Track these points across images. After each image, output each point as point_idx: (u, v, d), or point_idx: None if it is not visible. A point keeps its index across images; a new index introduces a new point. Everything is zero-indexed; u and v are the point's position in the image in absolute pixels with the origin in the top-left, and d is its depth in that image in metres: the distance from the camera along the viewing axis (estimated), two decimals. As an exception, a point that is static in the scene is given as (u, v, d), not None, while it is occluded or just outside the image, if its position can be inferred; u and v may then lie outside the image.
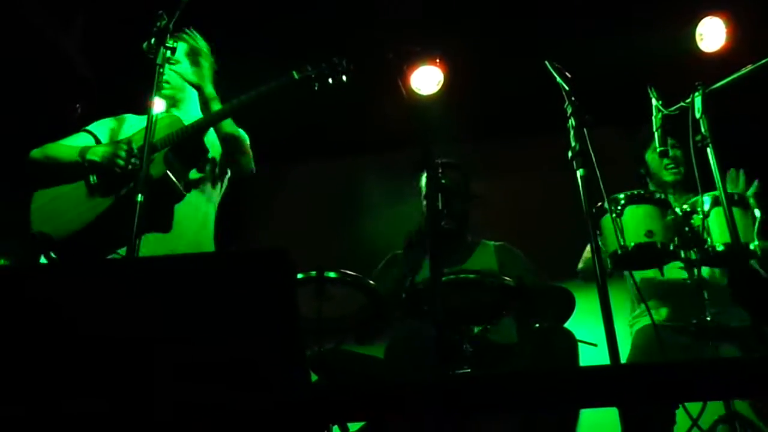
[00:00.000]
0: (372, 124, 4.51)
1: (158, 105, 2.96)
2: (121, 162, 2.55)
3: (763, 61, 2.47)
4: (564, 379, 1.69)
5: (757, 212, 2.57)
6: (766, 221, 2.61)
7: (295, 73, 2.65)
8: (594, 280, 2.08)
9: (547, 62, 2.52)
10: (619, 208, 2.55)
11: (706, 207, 2.52)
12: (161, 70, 2.43)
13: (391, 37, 4.18)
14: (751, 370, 1.60)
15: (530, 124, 4.34)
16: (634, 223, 2.52)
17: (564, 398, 1.76)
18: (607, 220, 2.57)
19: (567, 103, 2.39)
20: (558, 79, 2.47)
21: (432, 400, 1.66)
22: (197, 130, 2.66)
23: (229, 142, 2.71)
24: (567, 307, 3.48)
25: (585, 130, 2.35)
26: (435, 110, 4.52)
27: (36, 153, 2.70)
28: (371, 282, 2.63)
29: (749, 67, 2.49)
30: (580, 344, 3.34)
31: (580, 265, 3.14)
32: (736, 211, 2.47)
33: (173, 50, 2.45)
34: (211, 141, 2.78)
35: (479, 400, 1.68)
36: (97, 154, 2.60)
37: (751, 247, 2.51)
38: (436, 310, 2.11)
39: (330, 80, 2.66)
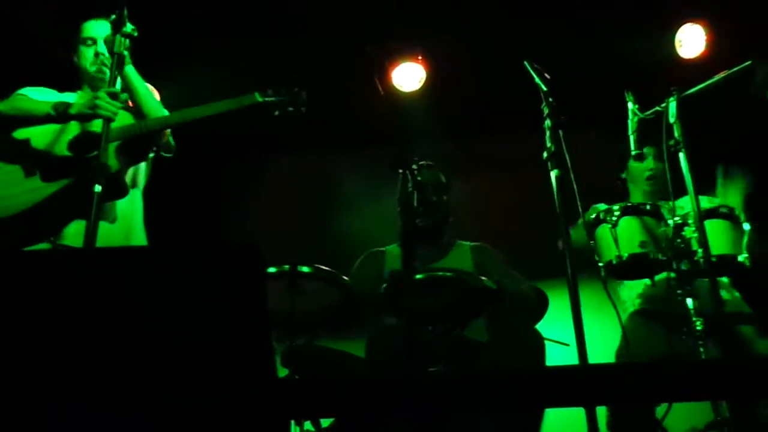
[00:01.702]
0: (352, 119, 4.51)
1: None
2: (108, 106, 2.44)
3: (737, 69, 2.51)
4: (530, 378, 1.70)
5: (746, 225, 2.61)
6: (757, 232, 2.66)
7: (257, 95, 2.70)
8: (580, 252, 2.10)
9: (526, 62, 2.53)
10: (614, 218, 2.60)
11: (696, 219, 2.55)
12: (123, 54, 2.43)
13: (373, 33, 4.20)
14: (716, 372, 1.62)
15: (511, 124, 4.35)
16: (629, 233, 2.57)
17: (531, 398, 1.77)
18: (602, 231, 2.62)
19: (544, 103, 2.41)
20: (536, 79, 2.48)
21: (400, 397, 1.66)
22: (154, 130, 2.65)
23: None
24: (540, 307, 3.51)
25: (560, 131, 2.37)
26: (416, 107, 4.53)
27: (2, 105, 2.65)
28: (345, 278, 2.63)
29: (723, 74, 2.52)
30: (552, 344, 3.38)
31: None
32: (725, 223, 2.53)
33: (131, 37, 2.45)
34: None
35: (447, 398, 1.69)
36: (76, 105, 2.56)
37: (740, 259, 2.55)
38: (407, 308, 2.11)
39: (290, 109, 2.73)
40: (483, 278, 2.67)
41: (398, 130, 2.62)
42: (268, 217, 4.95)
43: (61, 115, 2.55)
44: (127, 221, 2.75)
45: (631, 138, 2.67)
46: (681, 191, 2.61)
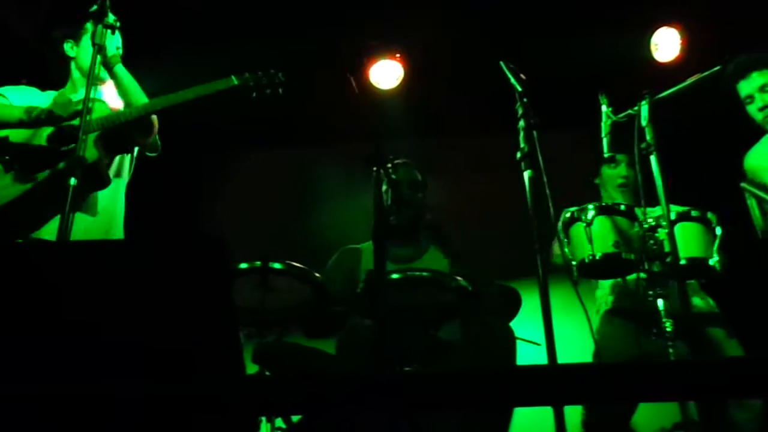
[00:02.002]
0: (328, 115, 4.49)
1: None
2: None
3: (708, 73, 2.53)
4: (498, 378, 1.71)
5: (719, 230, 2.63)
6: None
7: (234, 78, 2.71)
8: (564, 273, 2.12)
9: (501, 63, 2.53)
10: (589, 217, 2.61)
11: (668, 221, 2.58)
12: (104, 46, 2.45)
13: (350, 29, 4.19)
14: (684, 373, 1.63)
15: (486, 124, 4.36)
16: (603, 233, 2.58)
17: (499, 398, 1.78)
18: (577, 229, 2.63)
19: (518, 104, 2.42)
20: (511, 79, 2.48)
21: (370, 395, 1.66)
22: (132, 119, 2.63)
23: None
24: (513, 306, 3.53)
25: (534, 132, 2.38)
26: (394, 105, 4.53)
27: None
28: (318, 275, 2.61)
29: (695, 78, 2.55)
30: (524, 343, 3.40)
31: (553, 260, 3.20)
32: (697, 227, 2.55)
33: (113, 28, 2.44)
34: None
35: (417, 397, 1.69)
36: (45, 111, 2.55)
37: (710, 262, 2.57)
38: (379, 307, 2.11)
39: (267, 91, 2.75)
40: (459, 279, 2.67)
41: (373, 128, 2.61)
42: (242, 212, 4.93)
43: (33, 120, 2.54)
44: (109, 215, 2.73)
45: (604, 141, 2.69)
46: (653, 199, 2.63)
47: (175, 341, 1.44)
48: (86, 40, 2.81)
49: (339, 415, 2.29)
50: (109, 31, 2.44)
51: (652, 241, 2.59)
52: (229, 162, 5.18)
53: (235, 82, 2.71)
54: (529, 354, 3.44)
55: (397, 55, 4.34)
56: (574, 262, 2.68)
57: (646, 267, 2.61)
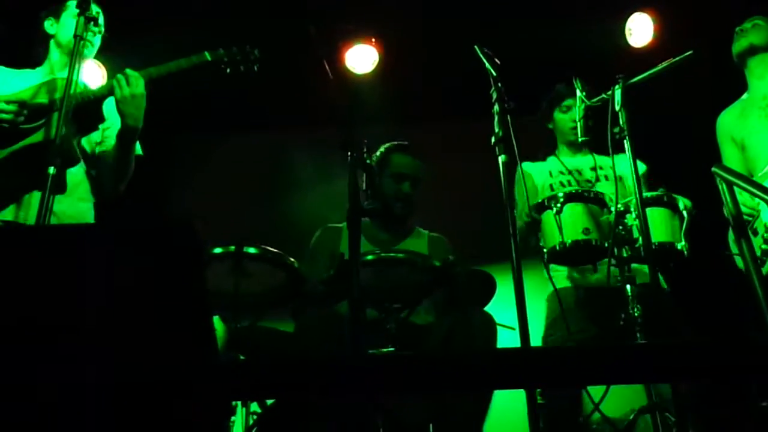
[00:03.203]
0: (303, 99, 4.46)
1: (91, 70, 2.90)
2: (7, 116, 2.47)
3: (679, 58, 2.55)
4: (473, 361, 1.72)
5: (685, 214, 2.66)
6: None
7: (207, 54, 2.71)
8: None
9: (476, 47, 2.53)
10: (558, 205, 2.62)
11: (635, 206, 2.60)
12: (84, 38, 2.47)
13: (324, 13, 4.16)
14: (656, 355, 1.66)
15: (461, 108, 4.37)
16: (572, 220, 2.59)
17: (473, 380, 1.79)
18: (547, 217, 2.64)
19: (493, 88, 2.42)
20: (486, 64, 2.48)
21: (345, 378, 1.66)
22: (101, 96, 2.62)
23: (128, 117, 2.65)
24: (488, 291, 3.55)
25: (508, 116, 2.38)
26: (369, 89, 4.52)
27: None
28: (292, 260, 2.61)
29: (666, 63, 2.57)
30: (500, 328, 3.42)
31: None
32: (665, 211, 2.56)
33: (95, 20, 2.42)
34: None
35: (392, 380, 1.69)
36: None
37: (678, 247, 2.60)
38: (352, 288, 2.11)
39: (241, 67, 2.75)
40: (434, 260, 2.68)
41: (348, 112, 2.60)
42: (217, 196, 4.90)
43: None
44: (78, 195, 2.70)
45: (579, 125, 2.70)
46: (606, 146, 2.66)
47: (147, 326, 1.43)
48: (66, 18, 2.78)
49: (313, 398, 2.29)
50: (91, 23, 2.46)
51: (620, 227, 2.60)
52: (204, 146, 5.14)
53: (208, 58, 2.70)
54: (504, 338, 3.47)
55: (372, 40, 4.32)
56: (545, 249, 2.69)
57: (615, 253, 2.62)
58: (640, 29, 4.14)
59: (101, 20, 2.75)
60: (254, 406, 2.80)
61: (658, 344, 2.25)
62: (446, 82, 4.53)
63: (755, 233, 2.80)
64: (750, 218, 2.82)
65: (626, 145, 2.45)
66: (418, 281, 2.64)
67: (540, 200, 2.75)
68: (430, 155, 4.64)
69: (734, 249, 2.77)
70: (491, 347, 2.77)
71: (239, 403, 2.89)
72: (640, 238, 2.53)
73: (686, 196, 2.85)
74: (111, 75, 2.68)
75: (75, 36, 2.42)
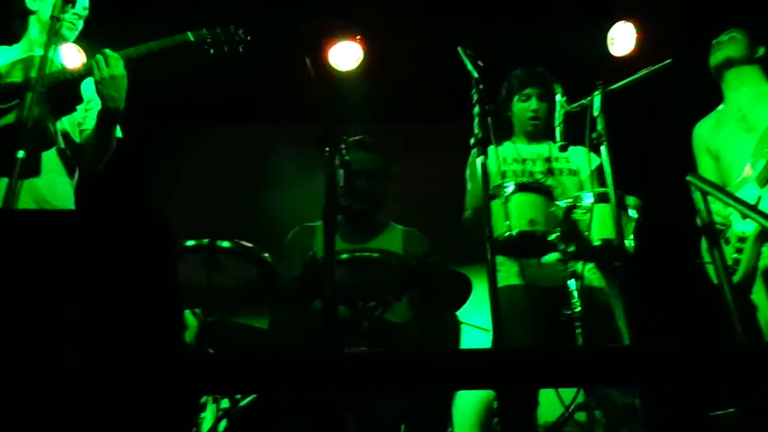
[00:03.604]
0: (284, 94, 4.45)
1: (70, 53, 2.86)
2: None
3: (657, 66, 2.57)
4: (442, 360, 1.72)
5: (633, 213, 2.67)
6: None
7: (190, 34, 2.68)
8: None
9: (459, 48, 2.54)
10: (506, 194, 2.59)
11: (587, 202, 2.60)
12: (61, 19, 2.46)
13: (311, 9, 4.15)
14: (624, 359, 1.66)
15: (444, 109, 4.38)
16: (519, 210, 2.57)
17: (441, 379, 1.79)
18: (495, 205, 2.60)
19: (474, 90, 2.43)
20: (468, 65, 2.49)
21: (315, 375, 1.66)
22: (78, 77, 2.58)
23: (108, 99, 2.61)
24: (463, 292, 3.56)
25: (488, 118, 2.39)
26: (353, 87, 4.51)
27: None
28: (267, 255, 2.59)
29: (645, 71, 2.59)
30: (474, 329, 3.43)
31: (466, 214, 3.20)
32: (612, 208, 2.53)
33: (72, 1, 2.40)
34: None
35: (362, 377, 1.69)
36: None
37: (625, 244, 2.59)
38: (326, 286, 2.10)
39: (225, 48, 2.72)
40: (409, 259, 2.68)
41: (328, 108, 2.59)
42: (196, 189, 4.87)
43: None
44: (55, 177, 2.65)
45: (557, 129, 2.71)
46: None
47: (113, 316, 1.42)
48: None
49: (284, 395, 2.28)
50: (69, 5, 2.45)
51: (567, 222, 2.60)
52: (184, 139, 5.10)
53: (191, 38, 2.68)
54: (478, 340, 3.48)
55: (357, 37, 4.31)
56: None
57: (561, 247, 2.61)
58: (622, 38, 4.17)
59: (85, 2, 2.72)
60: (225, 403, 2.78)
61: (629, 347, 2.27)
62: (430, 81, 4.53)
63: (727, 242, 2.83)
64: (722, 227, 2.85)
65: (603, 150, 2.47)
66: (392, 280, 2.64)
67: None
68: (411, 155, 4.68)
69: (707, 257, 2.80)
70: (456, 347, 2.78)
71: (210, 399, 2.87)
72: (587, 234, 2.54)
73: (661, 204, 2.88)
74: (92, 57, 2.64)
75: (51, 17, 2.39)
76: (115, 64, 2.54)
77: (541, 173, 3.17)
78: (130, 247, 1.43)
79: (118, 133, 2.76)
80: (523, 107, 3.26)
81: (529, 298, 2.97)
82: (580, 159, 2.99)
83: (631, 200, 2.67)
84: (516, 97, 3.29)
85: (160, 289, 1.44)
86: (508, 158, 3.26)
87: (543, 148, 3.25)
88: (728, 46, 3.07)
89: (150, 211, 1.42)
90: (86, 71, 2.57)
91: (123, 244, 1.43)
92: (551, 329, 2.81)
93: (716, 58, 3.10)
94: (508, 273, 3.01)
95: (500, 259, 3.05)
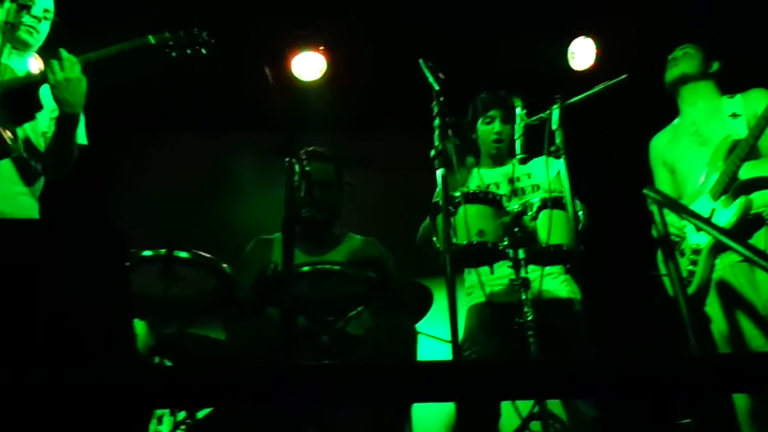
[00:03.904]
0: (245, 103, 4.42)
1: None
2: None
3: (614, 81, 2.61)
4: (399, 372, 1.71)
5: (582, 217, 2.70)
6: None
7: (151, 37, 2.64)
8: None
9: (421, 61, 2.54)
10: (453, 206, 2.60)
11: (535, 208, 2.63)
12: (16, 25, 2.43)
13: (275, 19, 4.14)
14: (583, 371, 1.67)
15: (406, 121, 4.39)
16: (467, 221, 2.57)
17: (398, 392, 1.78)
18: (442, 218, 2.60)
19: (435, 102, 2.43)
20: (430, 78, 2.50)
21: (271, 388, 1.64)
22: (34, 82, 2.54)
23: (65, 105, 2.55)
24: (425, 304, 3.56)
25: (449, 130, 2.40)
26: (316, 97, 4.51)
27: None
28: (225, 266, 2.56)
29: (602, 85, 2.62)
30: (435, 340, 3.44)
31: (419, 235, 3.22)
32: (562, 214, 2.56)
33: (28, 7, 2.38)
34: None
35: (319, 390, 1.67)
36: None
37: (575, 249, 2.60)
38: (285, 298, 2.09)
39: (188, 50, 2.68)
40: (369, 272, 2.67)
41: (289, 118, 2.58)
42: (156, 197, 4.81)
43: None
44: (6, 187, 2.57)
45: (517, 142, 2.73)
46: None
47: (64, 326, 1.38)
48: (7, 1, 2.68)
49: (239, 407, 2.25)
50: (24, 11, 2.40)
51: (517, 228, 2.61)
52: (143, 147, 5.03)
53: (152, 41, 2.64)
54: (438, 351, 3.48)
55: (321, 48, 4.32)
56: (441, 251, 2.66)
57: (512, 254, 2.62)
58: (582, 53, 4.25)
59: (47, 4, 2.67)
60: (183, 416, 2.74)
61: (587, 360, 2.29)
62: (392, 93, 4.55)
63: (682, 254, 2.88)
64: (678, 239, 2.90)
65: (561, 162, 2.49)
66: (352, 293, 2.63)
67: (435, 201, 2.69)
68: (373, 166, 4.69)
69: (663, 269, 2.84)
70: (412, 358, 2.78)
71: (167, 411, 2.82)
72: (539, 238, 2.56)
73: (619, 216, 2.91)
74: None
75: (5, 23, 2.35)
76: (70, 67, 2.49)
77: (505, 196, 3.19)
78: (79, 259, 1.40)
79: (83, 140, 2.70)
80: (487, 129, 3.27)
81: (491, 314, 2.98)
82: (541, 171, 3.00)
83: (579, 205, 2.70)
84: (480, 120, 3.30)
85: (111, 300, 1.42)
86: (472, 186, 3.28)
87: (507, 169, 3.26)
88: (683, 61, 3.13)
89: (101, 221, 1.39)
90: (43, 77, 2.52)
91: (72, 255, 1.40)
92: (513, 342, 2.83)
93: (671, 74, 3.15)
94: (479, 292, 3.01)
95: (472, 280, 3.08)
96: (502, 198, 2.71)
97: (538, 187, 3.13)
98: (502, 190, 3.18)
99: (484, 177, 3.20)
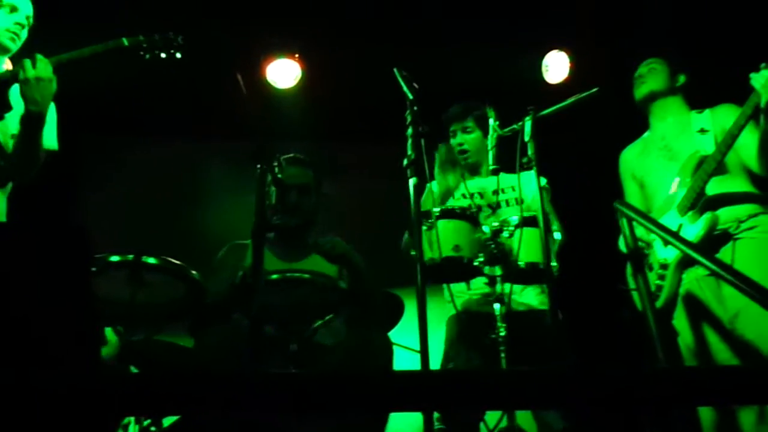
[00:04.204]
0: (219, 110, 4.40)
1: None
2: None
3: (585, 94, 2.64)
4: (371, 382, 1.70)
5: (558, 235, 2.72)
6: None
7: (125, 39, 2.63)
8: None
9: (396, 70, 2.55)
10: (431, 221, 2.61)
11: (514, 226, 2.64)
12: None
13: (250, 26, 4.12)
14: (557, 381, 1.67)
15: (380, 130, 4.40)
16: (444, 236, 2.58)
17: (371, 401, 1.77)
18: (423, 232, 2.61)
19: (408, 111, 2.43)
20: (404, 87, 2.50)
21: (240, 396, 1.61)
22: (2, 81, 2.51)
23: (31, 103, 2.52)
24: (396, 313, 3.55)
25: (422, 140, 2.40)
26: (290, 105, 4.49)
27: None
28: (194, 273, 2.53)
29: (574, 98, 2.65)
30: (404, 350, 3.42)
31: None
32: (538, 232, 2.57)
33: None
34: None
35: (289, 398, 1.66)
36: None
37: (549, 266, 2.63)
38: (253, 306, 2.06)
39: (162, 54, 2.67)
40: (340, 281, 2.66)
41: (263, 125, 2.57)
42: (127, 203, 4.75)
43: None
44: None
45: (490, 153, 2.75)
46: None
47: (29, 329, 1.36)
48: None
49: (206, 415, 2.22)
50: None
51: (493, 245, 2.63)
52: (115, 152, 4.97)
53: (125, 43, 2.63)
54: (409, 360, 3.47)
55: (296, 55, 4.31)
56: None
57: (488, 271, 2.64)
58: (556, 66, 4.29)
59: (29, 11, 2.65)
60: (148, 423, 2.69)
61: (552, 370, 2.29)
62: (367, 102, 4.55)
63: (650, 268, 2.90)
64: (646, 252, 2.93)
65: (533, 174, 2.51)
66: (322, 302, 2.61)
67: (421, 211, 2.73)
68: (347, 174, 4.68)
69: (632, 284, 2.86)
70: (389, 368, 2.77)
71: (132, 419, 2.78)
72: (515, 256, 2.58)
73: (589, 229, 2.93)
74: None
75: None
76: (43, 67, 2.46)
77: (490, 206, 3.20)
78: (45, 262, 1.38)
79: (54, 144, 2.66)
80: (453, 143, 3.35)
81: (463, 325, 2.99)
82: (528, 186, 3.00)
83: (555, 224, 2.72)
84: (450, 135, 3.38)
85: (76, 304, 1.39)
86: (457, 194, 3.30)
87: (491, 180, 3.26)
88: (650, 79, 3.16)
89: (67, 224, 1.37)
90: (12, 77, 2.49)
91: (38, 258, 1.37)
92: (486, 355, 2.83)
93: (640, 92, 3.18)
94: (457, 302, 3.01)
95: (450, 291, 3.08)
96: (480, 213, 2.73)
97: (522, 201, 3.15)
98: (487, 199, 3.20)
99: (469, 187, 3.22)
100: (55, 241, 1.35)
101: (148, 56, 2.66)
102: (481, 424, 2.66)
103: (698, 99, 3.16)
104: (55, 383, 1.31)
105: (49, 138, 2.62)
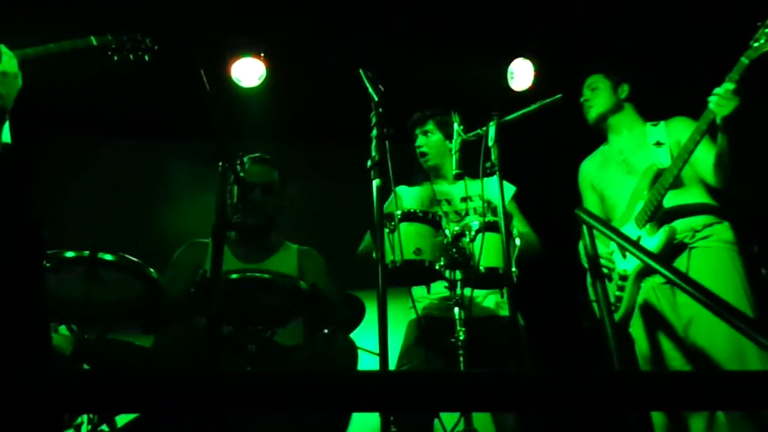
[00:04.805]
0: (182, 107, 4.35)
1: None
2: None
3: (550, 100, 2.67)
4: (332, 382, 1.69)
5: (518, 241, 2.74)
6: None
7: (93, 38, 2.60)
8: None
9: (361, 71, 2.54)
10: (393, 224, 2.61)
11: (473, 231, 2.66)
12: None
13: (217, 25, 4.08)
14: (507, 384, 1.68)
15: (344, 131, 4.39)
16: (405, 240, 2.58)
17: (328, 402, 1.76)
18: (384, 234, 2.60)
19: (373, 113, 2.43)
20: (369, 88, 2.49)
21: (193, 395, 1.59)
22: None
23: None
24: (357, 315, 3.55)
25: (386, 141, 2.39)
26: (254, 104, 4.46)
27: None
28: (151, 270, 2.49)
29: (537, 104, 2.67)
30: (364, 353, 3.41)
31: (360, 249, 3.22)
32: (499, 237, 2.58)
33: None
34: None
35: (246, 398, 1.64)
36: None
37: (510, 272, 2.64)
38: (212, 305, 2.03)
39: (131, 55, 2.60)
40: (300, 281, 2.64)
41: (223, 123, 2.53)
42: (86, 200, 4.67)
43: None
44: None
45: (454, 157, 2.76)
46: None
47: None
48: None
49: (160, 414, 2.19)
50: None
51: (454, 249, 2.64)
52: (75, 149, 4.88)
53: (94, 42, 2.60)
54: (369, 363, 3.46)
55: (261, 54, 4.28)
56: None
57: (448, 275, 2.65)
58: (521, 73, 4.34)
59: None
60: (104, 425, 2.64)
61: (509, 373, 2.31)
62: (331, 103, 4.54)
63: (610, 280, 2.93)
64: (606, 270, 2.95)
65: (496, 179, 2.52)
66: (282, 303, 2.59)
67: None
68: (310, 175, 4.65)
69: (591, 292, 2.89)
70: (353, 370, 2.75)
71: (85, 419, 2.72)
72: (474, 261, 2.60)
73: (551, 236, 2.95)
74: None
75: None
76: (8, 61, 2.40)
77: (458, 213, 3.21)
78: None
79: (7, 138, 2.60)
80: (415, 146, 3.41)
81: (423, 330, 2.99)
82: (494, 192, 3.00)
83: (516, 229, 2.73)
84: (417, 129, 3.42)
85: (24, 302, 1.36)
86: (425, 199, 3.30)
87: (459, 186, 3.29)
88: (595, 101, 3.19)
89: (18, 220, 1.34)
90: None
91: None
92: (446, 358, 2.84)
93: (590, 117, 3.21)
94: (418, 306, 3.01)
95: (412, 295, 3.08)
96: (443, 218, 2.74)
97: (489, 204, 3.17)
98: (455, 206, 3.21)
99: (437, 192, 3.23)
100: (4, 236, 1.32)
101: (116, 57, 2.64)
102: (438, 426, 2.67)
103: (647, 104, 3.20)
104: (2, 381, 1.28)
105: (4, 132, 2.56)
